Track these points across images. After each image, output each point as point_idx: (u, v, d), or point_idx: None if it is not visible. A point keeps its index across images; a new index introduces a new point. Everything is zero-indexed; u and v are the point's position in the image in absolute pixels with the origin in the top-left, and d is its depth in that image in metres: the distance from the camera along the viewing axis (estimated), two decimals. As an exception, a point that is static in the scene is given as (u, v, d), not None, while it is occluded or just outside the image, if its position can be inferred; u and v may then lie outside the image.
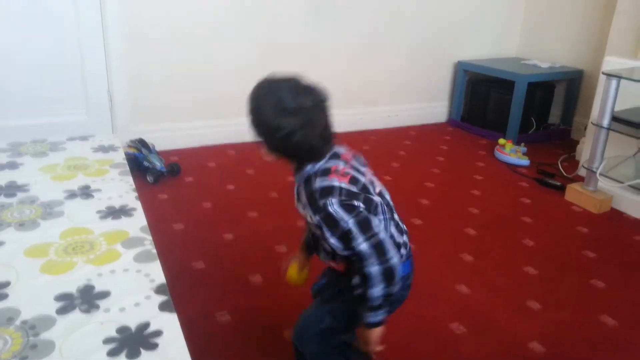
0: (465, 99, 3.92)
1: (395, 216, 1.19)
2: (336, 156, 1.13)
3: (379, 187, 1.18)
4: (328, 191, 1.05)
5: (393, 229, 1.15)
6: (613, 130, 2.53)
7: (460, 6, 3.79)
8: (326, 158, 1.11)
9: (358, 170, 1.13)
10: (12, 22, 2.64)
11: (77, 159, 1.75)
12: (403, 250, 1.17)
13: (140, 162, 2.70)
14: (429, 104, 3.98)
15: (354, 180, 1.10)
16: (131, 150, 2.75)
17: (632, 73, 2.52)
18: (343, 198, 1.05)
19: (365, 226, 1.04)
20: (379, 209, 1.12)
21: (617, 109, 2.54)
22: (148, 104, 3.04)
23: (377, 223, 1.07)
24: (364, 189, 1.11)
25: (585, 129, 3.26)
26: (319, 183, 1.07)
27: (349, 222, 1.04)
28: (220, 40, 3.11)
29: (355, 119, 3.63)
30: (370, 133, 3.66)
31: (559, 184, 2.84)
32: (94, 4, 2.76)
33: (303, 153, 1.09)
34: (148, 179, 2.65)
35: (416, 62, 3.80)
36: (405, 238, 1.19)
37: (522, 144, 3.32)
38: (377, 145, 3.46)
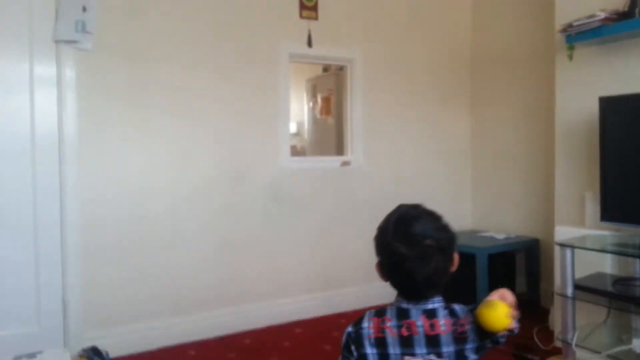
0: (430, 272, 3.92)
1: None
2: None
3: None
4: None
5: None
6: (578, 299, 2.53)
7: (412, 187, 4.01)
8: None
9: None
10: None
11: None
12: None
13: (91, 375, 2.48)
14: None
15: None
16: (82, 362, 2.54)
17: (583, 242, 2.61)
18: None
19: None
20: None
21: (578, 275, 2.58)
22: (102, 307, 2.91)
23: None
24: None
25: (552, 296, 3.26)
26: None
27: None
28: (177, 237, 3.12)
29: (323, 303, 3.55)
30: (339, 316, 3.55)
31: (537, 358, 2.73)
32: (54, 211, 2.78)
33: (406, 284, 1.18)
34: (99, 394, 2.41)
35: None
36: None
37: (493, 316, 3.25)
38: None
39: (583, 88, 2.97)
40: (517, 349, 2.92)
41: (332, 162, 3.78)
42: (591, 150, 2.91)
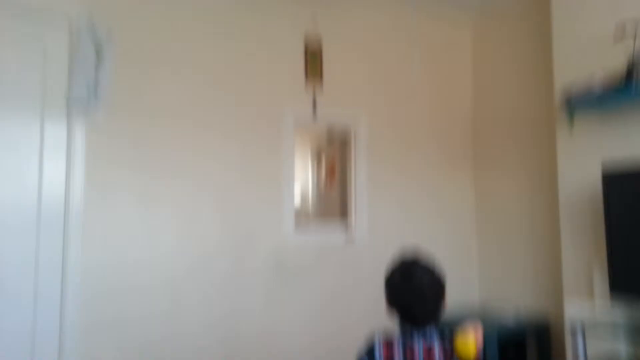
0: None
1: None
2: None
3: None
4: None
5: None
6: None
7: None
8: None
9: None
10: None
11: None
12: None
13: None
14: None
15: None
16: None
17: (595, 322, 2.51)
18: None
19: None
20: None
21: (590, 353, 2.46)
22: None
23: None
24: None
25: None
26: None
27: None
28: (179, 308, 3.05)
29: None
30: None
31: None
32: (55, 284, 2.73)
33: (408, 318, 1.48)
34: None
35: (378, 322, 3.75)
36: None
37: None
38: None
39: (585, 157, 2.96)
40: None
41: (336, 237, 3.70)
42: (596, 220, 2.86)
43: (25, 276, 2.67)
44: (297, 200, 4.95)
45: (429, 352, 1.43)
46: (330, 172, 4.97)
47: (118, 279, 2.89)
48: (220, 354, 3.14)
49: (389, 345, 1.52)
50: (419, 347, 1.47)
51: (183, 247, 3.09)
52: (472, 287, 4.19)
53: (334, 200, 4.75)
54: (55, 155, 2.78)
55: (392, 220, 3.89)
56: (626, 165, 2.61)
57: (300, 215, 5.38)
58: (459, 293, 4.11)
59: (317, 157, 5.32)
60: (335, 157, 4.85)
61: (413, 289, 1.53)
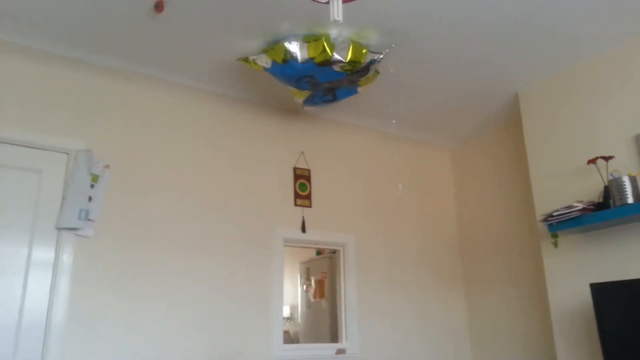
0: None
1: None
2: None
3: None
4: None
5: None
6: None
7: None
8: None
9: None
10: None
11: None
12: None
13: None
14: None
15: None
16: None
17: None
18: None
19: None
20: None
21: None
22: None
23: None
24: None
25: None
26: None
27: None
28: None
29: None
30: None
31: None
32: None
33: None
34: None
35: None
36: None
37: None
38: None
39: (572, 274, 3.02)
40: None
41: (327, 349, 3.63)
42: (589, 331, 2.85)
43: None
44: (286, 314, 4.86)
45: None
46: (320, 290, 4.93)
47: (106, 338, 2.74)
48: None
49: None
50: None
51: (168, 368, 2.97)
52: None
53: (323, 320, 4.66)
54: (41, 275, 2.76)
55: (383, 336, 3.81)
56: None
57: (289, 338, 5.24)
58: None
59: (306, 276, 5.29)
60: (324, 276, 4.84)
61: None
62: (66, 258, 2.83)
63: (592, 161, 2.93)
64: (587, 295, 2.78)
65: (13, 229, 2.76)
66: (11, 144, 2.85)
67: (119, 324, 2.89)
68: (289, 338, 5.23)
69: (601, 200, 2.87)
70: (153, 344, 2.97)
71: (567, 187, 3.13)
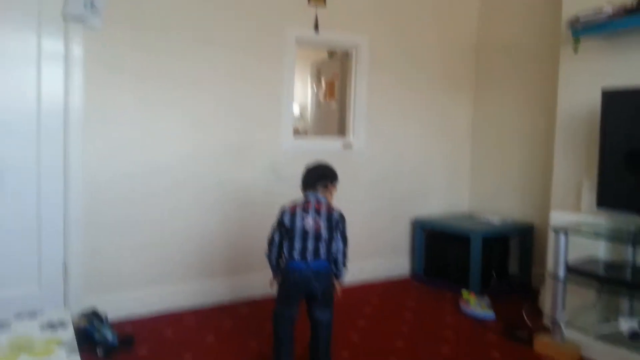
0: (426, 253, 3.99)
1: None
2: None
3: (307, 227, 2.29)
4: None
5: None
6: (570, 281, 2.60)
7: (412, 170, 4.09)
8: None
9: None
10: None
11: (22, 339, 1.65)
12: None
13: (91, 335, 2.55)
14: (392, 259, 4.04)
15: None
16: (82, 323, 2.61)
17: (578, 227, 2.67)
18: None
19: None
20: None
21: (570, 258, 2.64)
22: (103, 273, 2.97)
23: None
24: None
25: (543, 278, 3.32)
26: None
27: None
28: (179, 211, 3.18)
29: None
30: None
31: (526, 336, 2.80)
32: (57, 183, 2.83)
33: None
34: (98, 353, 2.48)
35: (376, 221, 3.94)
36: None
37: (485, 296, 3.32)
38: (342, 302, 3.38)
39: (586, 80, 3.00)
40: (506, 326, 2.99)
41: (334, 144, 3.82)
42: (591, 140, 2.95)
43: (28, 174, 2.75)
44: (296, 113, 5.01)
45: (317, 202, 2.34)
46: (330, 91, 4.98)
47: (120, 183, 2.98)
48: (219, 252, 3.32)
49: (293, 205, 2.34)
50: (312, 200, 2.35)
51: (184, 155, 3.16)
52: (462, 198, 4.36)
53: (332, 119, 4.79)
54: (53, 65, 2.77)
55: (390, 130, 3.97)
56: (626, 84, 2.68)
57: (299, 132, 5.46)
58: (449, 203, 4.29)
59: (317, 77, 5.30)
60: (335, 77, 4.84)
61: (313, 172, 2.42)
62: (76, 49, 2.81)
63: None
64: (596, 103, 2.79)
65: (20, 20, 2.68)
66: None
67: (137, 108, 3.01)
68: (299, 134, 5.45)
69: (634, 5, 2.71)
70: (172, 130, 3.13)
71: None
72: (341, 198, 3.77)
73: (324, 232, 2.28)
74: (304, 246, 2.26)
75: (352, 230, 3.81)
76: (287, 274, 2.28)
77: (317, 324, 2.30)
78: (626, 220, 2.64)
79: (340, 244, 2.33)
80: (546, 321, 2.90)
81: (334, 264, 2.32)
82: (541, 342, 2.67)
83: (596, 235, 2.63)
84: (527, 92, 3.89)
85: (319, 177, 2.41)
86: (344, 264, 2.36)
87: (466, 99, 4.32)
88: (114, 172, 2.97)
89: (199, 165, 3.22)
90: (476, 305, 3.20)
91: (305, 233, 2.27)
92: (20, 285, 2.77)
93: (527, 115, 3.89)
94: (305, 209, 2.31)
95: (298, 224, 2.28)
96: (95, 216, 2.93)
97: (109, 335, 2.54)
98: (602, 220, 2.75)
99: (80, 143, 2.86)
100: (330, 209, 2.34)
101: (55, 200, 2.83)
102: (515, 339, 2.82)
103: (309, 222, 2.28)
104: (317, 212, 2.30)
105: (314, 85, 5.44)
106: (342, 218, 2.36)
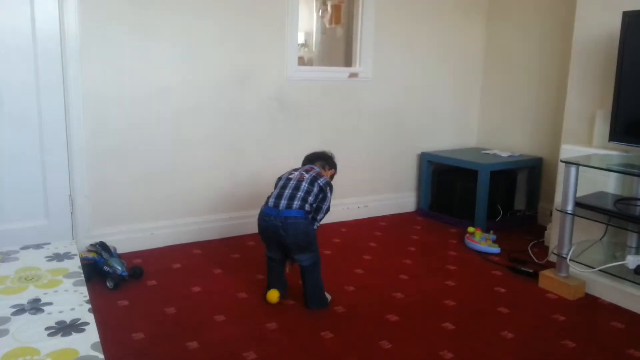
0: (432, 188, 3.97)
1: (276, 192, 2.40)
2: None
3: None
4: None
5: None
6: (578, 215, 2.57)
7: (420, 100, 3.98)
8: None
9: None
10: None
11: (29, 270, 1.65)
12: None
13: (100, 267, 2.57)
14: (398, 194, 4.03)
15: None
16: (91, 255, 2.63)
17: (589, 160, 2.61)
18: None
19: None
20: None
21: (579, 194, 2.60)
22: (110, 205, 2.96)
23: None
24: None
25: (550, 214, 3.31)
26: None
27: None
28: (183, 140, 3.12)
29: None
30: (340, 225, 3.63)
31: (531, 271, 2.81)
32: (58, 108, 2.76)
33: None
34: (108, 284, 2.51)
35: (382, 154, 3.89)
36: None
37: (491, 231, 3.33)
38: (348, 237, 3.41)
39: (606, 3, 2.85)
40: (512, 261, 3.01)
41: (340, 72, 3.70)
42: (607, 68, 2.84)
43: (28, 99, 2.67)
44: (300, 42, 4.83)
45: (311, 167, 2.52)
46: (336, 16, 4.77)
47: (121, 110, 2.90)
48: (224, 184, 3.30)
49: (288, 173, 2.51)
50: (307, 166, 2.56)
51: (187, 82, 3.06)
52: (470, 132, 4.29)
53: (338, 47, 4.62)
54: None
55: (397, 59, 3.83)
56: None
57: (304, 61, 5.30)
58: (457, 137, 4.23)
59: (323, 1, 5.06)
60: (341, 1, 4.62)
61: (314, 153, 2.70)
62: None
63: None
64: (615, 26, 2.65)
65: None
66: None
67: (135, 35, 2.88)
68: (303, 63, 5.29)
69: None
70: (171, 57, 3.00)
71: None
72: (346, 130, 3.76)
73: (305, 184, 2.37)
74: (280, 192, 2.36)
75: (356, 164, 3.83)
76: (258, 219, 2.40)
77: (300, 268, 2.38)
78: (639, 155, 2.58)
79: (322, 204, 2.41)
80: (552, 257, 2.91)
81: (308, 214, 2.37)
82: (546, 278, 2.69)
83: (607, 165, 2.57)
84: (543, 16, 3.70)
85: (319, 157, 2.66)
86: (317, 220, 2.43)
87: (479, 26, 4.13)
88: (115, 97, 2.88)
89: (201, 92, 3.11)
90: (481, 240, 3.21)
91: (287, 180, 2.41)
92: (28, 218, 2.77)
93: (542, 41, 3.72)
94: (296, 170, 2.50)
95: (285, 175, 2.48)
96: (97, 144, 2.87)
97: (118, 266, 2.56)
98: (614, 153, 2.69)
99: (78, 65, 2.75)
100: (319, 174, 2.47)
101: (56, 127, 2.77)
102: (521, 274, 2.84)
103: (295, 174, 2.44)
104: (307, 172, 2.46)
105: (320, 10, 5.20)
106: (328, 185, 2.45)
